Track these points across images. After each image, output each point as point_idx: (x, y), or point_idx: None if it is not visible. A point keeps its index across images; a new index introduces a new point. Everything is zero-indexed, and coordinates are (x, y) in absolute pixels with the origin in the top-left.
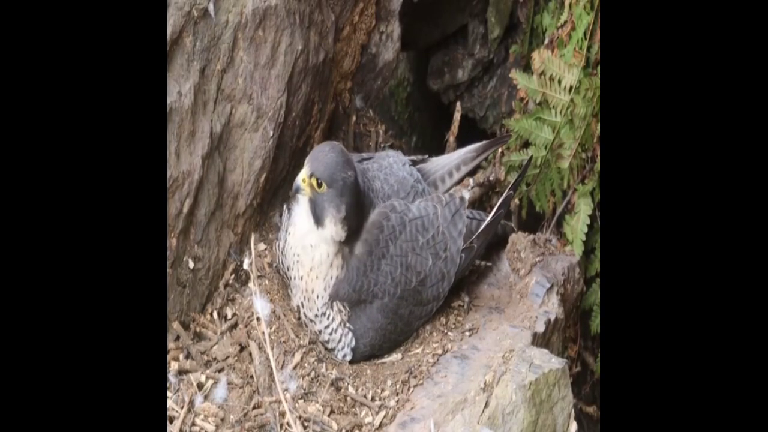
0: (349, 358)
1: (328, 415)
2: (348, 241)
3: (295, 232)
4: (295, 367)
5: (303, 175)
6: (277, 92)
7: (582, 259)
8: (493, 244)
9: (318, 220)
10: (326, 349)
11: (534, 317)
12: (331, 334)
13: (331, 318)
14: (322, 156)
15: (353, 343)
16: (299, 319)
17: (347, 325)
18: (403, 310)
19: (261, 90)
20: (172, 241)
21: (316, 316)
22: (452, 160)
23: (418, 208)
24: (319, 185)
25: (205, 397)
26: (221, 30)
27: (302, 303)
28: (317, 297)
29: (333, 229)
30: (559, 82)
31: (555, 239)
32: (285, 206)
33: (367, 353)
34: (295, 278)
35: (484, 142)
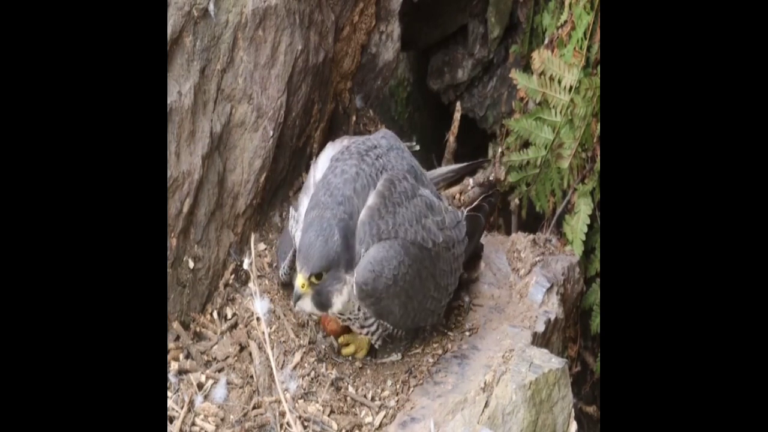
0: (370, 315)
1: (328, 415)
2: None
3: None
4: (295, 367)
5: (301, 280)
6: (277, 92)
7: (582, 259)
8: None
9: (324, 307)
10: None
11: (534, 317)
12: (349, 300)
13: (351, 285)
14: (308, 250)
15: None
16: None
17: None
18: (419, 265)
19: (261, 90)
20: (172, 241)
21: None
22: (432, 179)
23: (424, 191)
24: (318, 277)
25: (205, 397)
26: (221, 30)
27: (349, 319)
28: (358, 309)
29: (339, 303)
30: (559, 82)
31: (555, 239)
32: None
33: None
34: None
35: (464, 163)
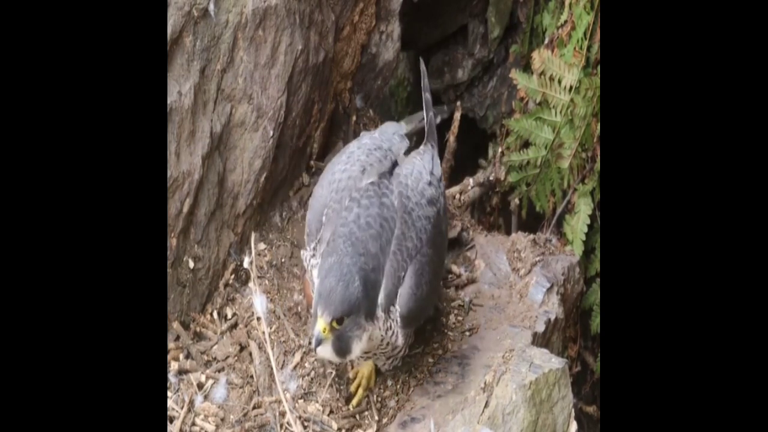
0: (402, 330)
1: (328, 415)
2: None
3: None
4: (295, 367)
5: (323, 324)
6: (277, 92)
7: (582, 259)
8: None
9: (343, 353)
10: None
11: (534, 317)
12: (393, 335)
13: (393, 322)
14: (329, 295)
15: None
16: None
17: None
18: (437, 261)
19: (261, 90)
20: (172, 241)
21: (383, 339)
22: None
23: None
24: (340, 322)
25: (205, 397)
26: (221, 30)
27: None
28: (392, 337)
29: (358, 350)
30: (559, 82)
31: (555, 239)
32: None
33: (413, 306)
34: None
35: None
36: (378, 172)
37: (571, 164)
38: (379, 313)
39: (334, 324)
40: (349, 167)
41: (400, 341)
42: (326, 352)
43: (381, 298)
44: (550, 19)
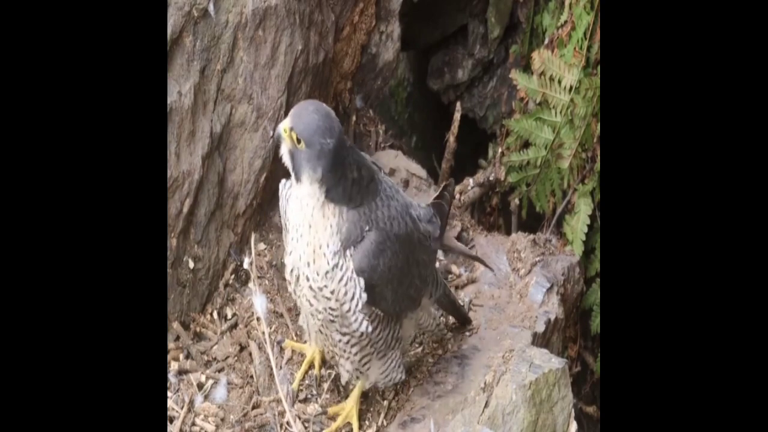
0: (365, 299)
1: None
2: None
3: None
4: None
5: (284, 125)
6: (277, 92)
7: (582, 259)
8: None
9: (296, 176)
10: (338, 317)
11: (534, 317)
12: (346, 284)
13: (345, 268)
14: (305, 114)
15: (362, 283)
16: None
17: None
18: (408, 252)
19: (261, 90)
20: (172, 241)
21: (327, 273)
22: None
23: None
24: (298, 141)
25: (205, 397)
26: (221, 30)
27: (308, 264)
28: (327, 246)
29: (309, 189)
30: (559, 82)
31: (555, 239)
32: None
33: (381, 290)
34: (294, 239)
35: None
36: None
37: (571, 164)
38: (330, 206)
39: (294, 136)
40: None
41: (358, 313)
42: (284, 152)
43: (344, 214)
44: (550, 19)
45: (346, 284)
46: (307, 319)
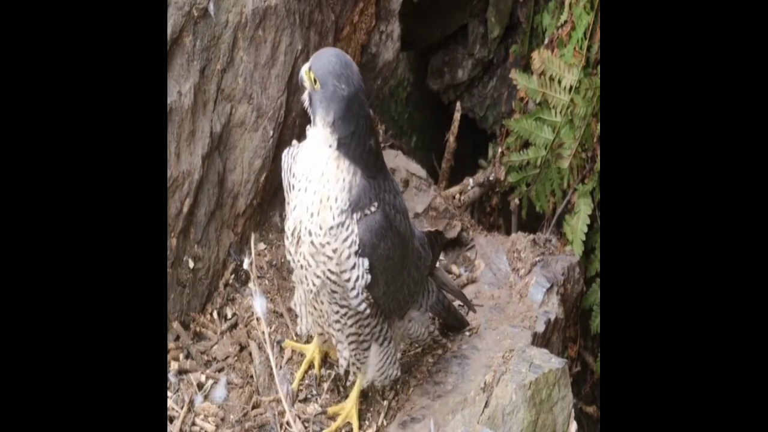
0: (368, 280)
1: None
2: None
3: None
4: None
5: (306, 66)
6: (277, 92)
7: (582, 259)
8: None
9: (312, 118)
10: (335, 284)
11: (534, 317)
12: (349, 246)
13: (350, 230)
14: (325, 57)
15: (366, 264)
16: (297, 248)
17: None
18: (404, 253)
19: (261, 90)
20: (172, 241)
21: (331, 228)
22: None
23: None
24: (315, 81)
25: (205, 397)
26: (221, 30)
27: (312, 215)
28: (335, 201)
29: (322, 132)
30: (559, 82)
31: (555, 239)
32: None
33: (381, 269)
34: (301, 190)
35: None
36: None
37: (571, 164)
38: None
39: (312, 75)
40: None
41: (358, 288)
42: (305, 97)
43: (352, 174)
44: (550, 19)
45: (349, 246)
46: (303, 296)
